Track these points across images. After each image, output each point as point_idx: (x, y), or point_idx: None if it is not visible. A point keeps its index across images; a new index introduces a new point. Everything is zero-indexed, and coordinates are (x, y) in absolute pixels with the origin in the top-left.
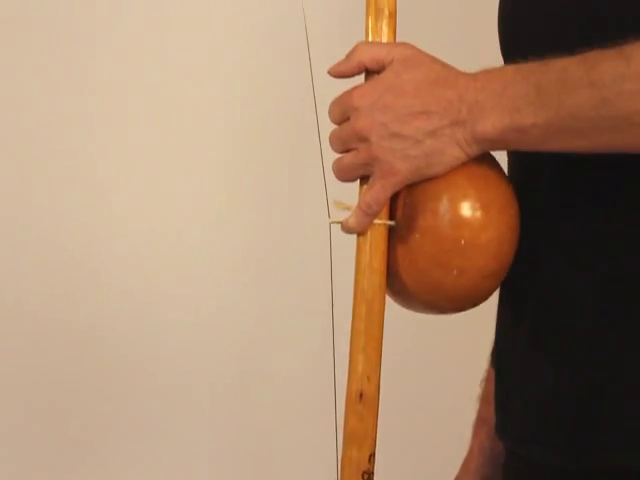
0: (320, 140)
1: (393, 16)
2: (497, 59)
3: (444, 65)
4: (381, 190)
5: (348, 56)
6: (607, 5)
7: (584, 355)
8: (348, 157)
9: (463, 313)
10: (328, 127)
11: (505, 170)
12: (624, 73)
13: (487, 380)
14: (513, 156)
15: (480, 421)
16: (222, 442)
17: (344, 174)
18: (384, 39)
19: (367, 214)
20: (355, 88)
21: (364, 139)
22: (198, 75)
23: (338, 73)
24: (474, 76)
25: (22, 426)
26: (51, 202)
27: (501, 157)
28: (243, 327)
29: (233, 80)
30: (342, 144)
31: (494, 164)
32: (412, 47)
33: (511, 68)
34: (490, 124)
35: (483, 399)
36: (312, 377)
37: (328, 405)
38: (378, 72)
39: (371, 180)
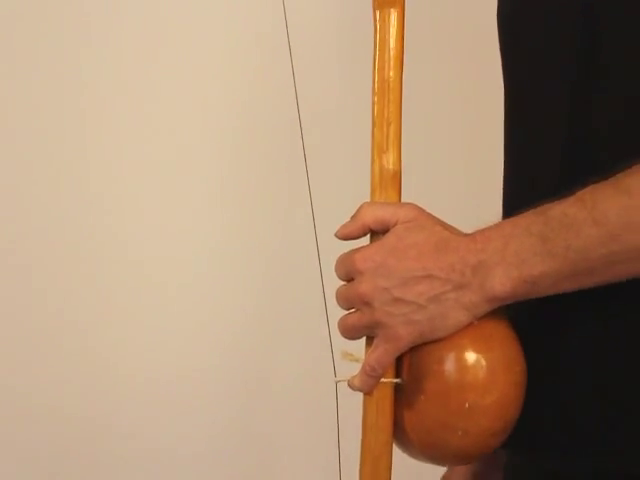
0: (305, 158)
1: (398, 175)
2: (496, 59)
3: (446, 227)
4: (385, 354)
5: (353, 217)
6: (607, 3)
7: (584, 356)
8: (352, 318)
9: None
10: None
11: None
12: (628, 206)
13: None
14: None
15: None
16: (222, 444)
17: (349, 334)
18: (389, 198)
19: (371, 376)
20: (358, 251)
21: (367, 303)
22: (198, 76)
23: (344, 235)
24: (472, 237)
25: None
26: (45, 202)
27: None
28: (242, 333)
29: (233, 81)
30: (347, 304)
31: (499, 317)
32: (416, 209)
33: (507, 223)
34: (498, 282)
35: None
36: (312, 379)
37: (328, 407)
38: (383, 232)
39: (375, 342)
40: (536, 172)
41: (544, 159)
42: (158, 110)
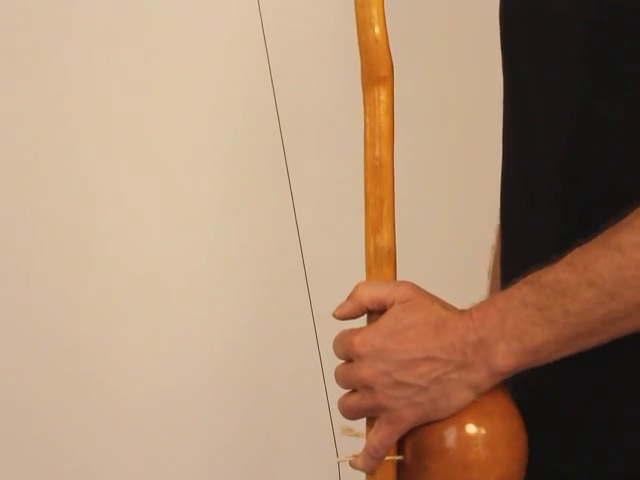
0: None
1: (392, 253)
2: (495, 58)
3: (444, 305)
4: (388, 436)
5: (350, 297)
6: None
7: (584, 356)
8: (353, 400)
9: None
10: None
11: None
12: (621, 264)
13: None
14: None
15: None
16: (222, 445)
17: (349, 415)
18: (384, 277)
19: (374, 457)
20: (357, 334)
21: (368, 388)
22: (194, 79)
23: (342, 316)
24: (469, 314)
25: None
26: (44, 202)
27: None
28: (240, 339)
29: (231, 82)
30: (347, 385)
31: (499, 391)
32: (412, 288)
33: (501, 297)
34: (501, 358)
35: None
36: (311, 380)
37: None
38: (380, 312)
39: (377, 424)
40: (535, 171)
41: (544, 158)
42: (150, 115)
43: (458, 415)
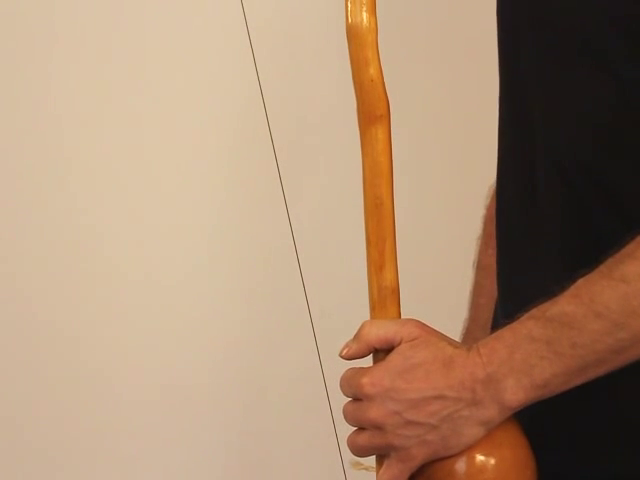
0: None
1: (396, 292)
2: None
3: (450, 343)
4: (398, 474)
5: (356, 337)
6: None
7: None
8: (363, 439)
9: None
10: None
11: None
12: (627, 294)
13: None
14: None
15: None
16: (221, 446)
17: (359, 453)
18: (389, 315)
19: None
20: (365, 374)
21: (379, 428)
22: (190, 82)
23: (349, 356)
24: (477, 351)
25: None
26: (42, 203)
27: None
28: (237, 340)
29: (224, 87)
30: (356, 424)
31: (508, 422)
32: (419, 325)
33: (507, 332)
34: (510, 393)
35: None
36: (310, 380)
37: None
38: (387, 351)
39: (387, 463)
40: (534, 172)
41: (543, 159)
42: (144, 120)
43: (469, 449)
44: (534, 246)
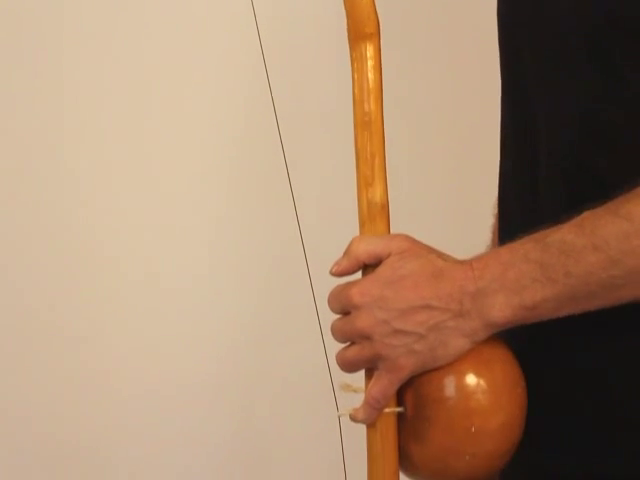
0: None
1: (386, 207)
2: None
3: (440, 255)
4: (388, 385)
5: (346, 253)
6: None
7: (581, 358)
8: (351, 352)
9: None
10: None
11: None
12: (629, 232)
13: None
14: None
15: None
16: (221, 447)
17: (348, 368)
18: (378, 231)
19: (375, 408)
20: (354, 285)
21: (367, 337)
22: (195, 79)
23: (339, 273)
24: (469, 265)
25: None
26: (42, 203)
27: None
28: (240, 337)
29: (229, 82)
30: (344, 338)
31: (497, 341)
32: (408, 239)
33: (505, 250)
34: (497, 309)
35: None
36: (311, 380)
37: (327, 408)
38: (377, 266)
39: (376, 374)
40: (536, 173)
41: (545, 160)
42: (152, 117)
43: (457, 364)
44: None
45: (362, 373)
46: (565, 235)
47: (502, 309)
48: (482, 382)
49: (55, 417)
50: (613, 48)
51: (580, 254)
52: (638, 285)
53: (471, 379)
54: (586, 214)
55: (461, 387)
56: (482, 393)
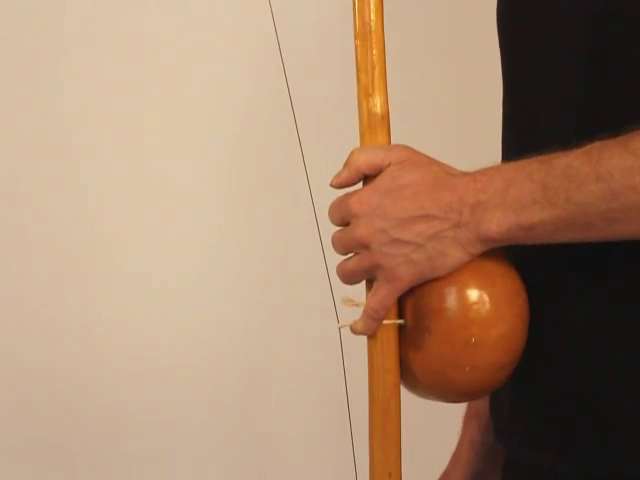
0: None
1: (386, 118)
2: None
3: (441, 166)
4: (387, 295)
5: (346, 164)
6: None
7: (581, 357)
8: (351, 263)
9: None
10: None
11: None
12: (633, 167)
13: None
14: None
15: (471, 414)
16: (222, 448)
17: (348, 279)
18: (379, 142)
19: (374, 319)
20: (353, 194)
21: (365, 246)
22: (195, 77)
23: (339, 184)
24: (472, 177)
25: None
26: (45, 203)
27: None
28: (244, 336)
29: (236, 80)
30: (344, 249)
31: (498, 255)
32: (408, 149)
33: (510, 167)
34: (495, 224)
35: None
36: (314, 381)
37: (330, 411)
38: (376, 177)
39: (375, 285)
40: None
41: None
42: (156, 114)
43: (458, 275)
44: (536, 246)
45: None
46: (572, 160)
47: (499, 224)
48: (482, 293)
49: (56, 414)
50: (612, 47)
51: (583, 182)
52: (635, 221)
53: (471, 290)
54: (596, 144)
55: (461, 298)
56: (482, 304)
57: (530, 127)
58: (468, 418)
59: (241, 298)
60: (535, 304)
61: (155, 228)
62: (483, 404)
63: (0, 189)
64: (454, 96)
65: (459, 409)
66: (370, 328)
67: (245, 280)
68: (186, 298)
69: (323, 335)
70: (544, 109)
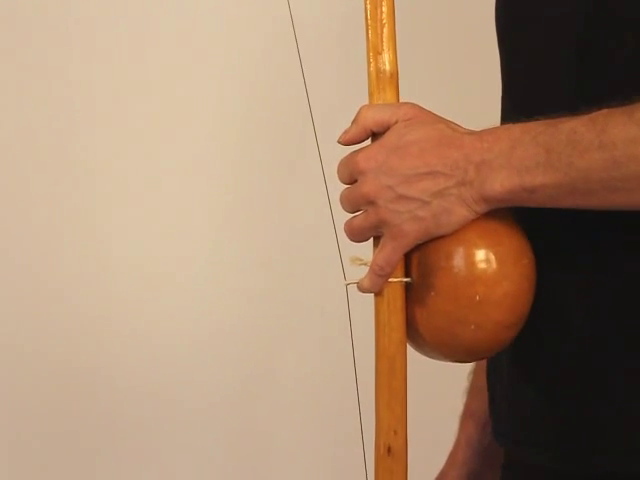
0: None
1: (395, 76)
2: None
3: (448, 124)
4: (392, 252)
5: (354, 122)
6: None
7: (576, 355)
8: (358, 220)
9: None
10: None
11: None
12: (636, 137)
13: (474, 373)
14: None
15: (467, 413)
16: (223, 449)
17: (355, 236)
18: (387, 100)
19: (380, 275)
20: (360, 151)
21: (371, 202)
22: (201, 76)
23: (347, 141)
24: (479, 136)
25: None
26: (49, 201)
27: None
28: (246, 336)
29: (238, 80)
30: (351, 206)
31: (504, 214)
32: (415, 107)
33: (517, 127)
34: (499, 184)
35: (471, 391)
36: (315, 382)
37: (331, 412)
38: (384, 133)
39: (382, 242)
40: None
41: None
42: (161, 109)
43: (463, 233)
44: (536, 245)
45: None
46: (577, 126)
47: (502, 184)
48: (487, 251)
49: (55, 413)
50: (612, 47)
51: (586, 149)
52: (636, 192)
53: (476, 248)
54: (603, 111)
55: (467, 256)
56: (487, 262)
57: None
58: (464, 418)
59: (243, 292)
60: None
61: (159, 220)
62: (479, 404)
63: (6, 187)
64: (453, 96)
65: (456, 409)
66: (376, 285)
67: (246, 280)
68: (185, 297)
69: (324, 331)
70: (539, 108)
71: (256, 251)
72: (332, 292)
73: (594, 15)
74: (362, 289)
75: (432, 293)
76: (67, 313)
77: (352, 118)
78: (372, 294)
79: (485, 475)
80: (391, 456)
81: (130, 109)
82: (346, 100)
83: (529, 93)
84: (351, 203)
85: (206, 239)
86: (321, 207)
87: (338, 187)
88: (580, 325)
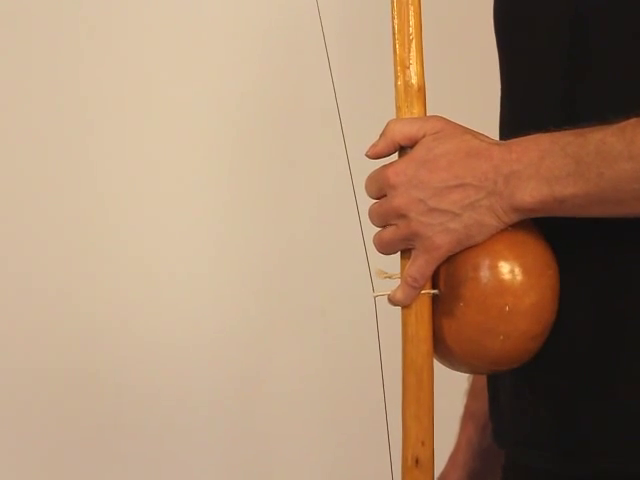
0: (348, 158)
1: (422, 90)
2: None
3: (476, 135)
4: (425, 264)
5: (382, 135)
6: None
7: (576, 356)
8: (388, 233)
9: None
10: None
11: None
12: None
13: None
14: None
15: (468, 415)
16: (223, 450)
17: (385, 249)
18: (415, 113)
19: (414, 288)
20: (389, 166)
21: (403, 216)
22: (203, 76)
23: (375, 154)
24: (507, 146)
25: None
26: (46, 204)
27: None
28: (245, 338)
29: (243, 81)
30: (381, 220)
31: (530, 227)
32: (442, 120)
33: (546, 138)
34: (528, 194)
35: (471, 393)
36: (316, 384)
37: (332, 414)
38: (412, 148)
39: (414, 254)
40: None
41: None
42: (162, 109)
43: (490, 244)
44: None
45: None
46: (607, 136)
47: (532, 195)
48: (515, 262)
49: (56, 412)
50: (611, 47)
51: (615, 159)
52: None
53: (505, 259)
54: (631, 120)
55: (495, 267)
56: (516, 272)
57: (528, 129)
58: (465, 419)
59: (244, 293)
60: None
61: (160, 221)
62: (480, 405)
63: (6, 187)
64: (453, 96)
65: (456, 410)
66: (409, 297)
67: (246, 281)
68: (185, 297)
69: (324, 334)
70: (536, 109)
71: (256, 252)
72: (333, 293)
73: (586, 15)
74: (394, 301)
75: (461, 304)
76: (67, 313)
77: (380, 131)
78: (399, 307)
79: (486, 476)
80: (419, 468)
81: (131, 109)
82: (374, 113)
83: (529, 93)
84: (381, 217)
85: (207, 240)
86: (321, 207)
87: (367, 201)
88: (580, 325)
